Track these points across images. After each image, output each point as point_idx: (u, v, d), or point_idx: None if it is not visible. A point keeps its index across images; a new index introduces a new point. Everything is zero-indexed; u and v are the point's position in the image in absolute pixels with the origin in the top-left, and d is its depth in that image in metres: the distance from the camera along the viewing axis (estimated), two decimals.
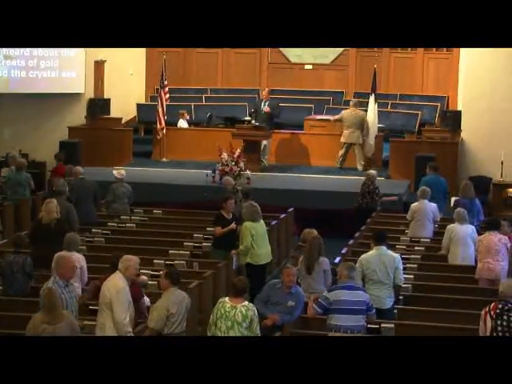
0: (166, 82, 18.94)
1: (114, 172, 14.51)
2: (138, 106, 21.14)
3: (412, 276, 10.94)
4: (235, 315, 8.05)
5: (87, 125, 20.03)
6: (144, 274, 10.12)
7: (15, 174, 15.02)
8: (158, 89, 19.94)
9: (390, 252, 9.77)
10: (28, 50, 18.93)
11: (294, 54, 22.24)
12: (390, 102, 20.60)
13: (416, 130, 19.53)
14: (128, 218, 14.15)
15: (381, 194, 14.55)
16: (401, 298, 10.12)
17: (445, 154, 17.64)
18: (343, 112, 18.47)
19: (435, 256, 11.96)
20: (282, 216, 14.44)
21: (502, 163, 17.08)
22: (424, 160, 15.89)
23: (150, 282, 10.18)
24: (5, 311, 9.16)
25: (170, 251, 12.03)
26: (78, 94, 19.99)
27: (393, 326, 9.03)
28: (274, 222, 13.65)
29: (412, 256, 11.99)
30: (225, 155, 16.62)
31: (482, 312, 8.09)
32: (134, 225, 13.77)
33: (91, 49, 19.05)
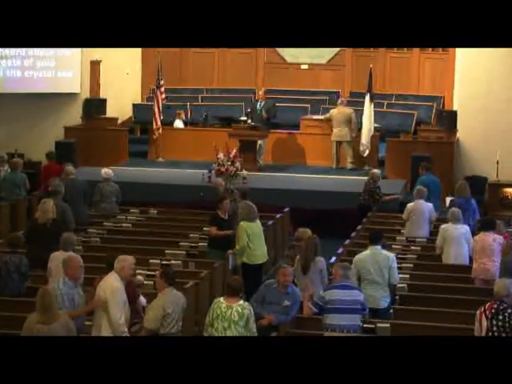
0: (162, 82, 18.93)
1: (102, 171, 14.54)
2: (134, 105, 21.13)
3: (408, 276, 10.95)
4: (231, 315, 8.05)
5: (83, 125, 20.00)
6: (140, 274, 10.11)
7: (10, 174, 15.00)
8: (153, 89, 19.92)
9: (385, 251, 9.78)
10: (24, 49, 18.89)
11: (290, 53, 22.24)
12: (385, 102, 20.60)
13: (412, 129, 19.54)
14: (124, 217, 14.16)
15: (381, 194, 14.58)
16: (396, 297, 10.14)
17: (441, 153, 17.66)
18: (331, 111, 18.62)
19: (431, 256, 11.97)
20: (278, 216, 14.45)
21: (497, 163, 17.08)
22: (420, 160, 15.91)
23: (146, 282, 10.17)
24: (0, 311, 9.15)
25: (166, 251, 12.02)
26: (74, 94, 19.97)
27: (388, 325, 9.04)
28: (270, 222, 13.65)
29: (408, 256, 12.00)
30: (221, 155, 16.61)
31: (478, 312, 8.10)
32: (130, 225, 13.77)
33: (87, 49, 19.03)
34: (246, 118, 18.79)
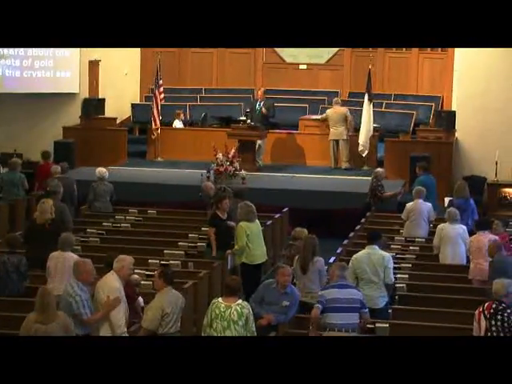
0: (160, 82, 18.94)
1: (96, 170, 14.56)
2: (133, 105, 21.13)
3: (407, 276, 10.96)
4: (231, 314, 8.05)
5: (82, 125, 19.99)
6: (139, 273, 10.11)
7: (9, 174, 15.00)
8: (152, 89, 19.93)
9: (380, 251, 9.76)
10: (23, 49, 18.89)
11: (289, 53, 22.25)
12: (384, 102, 20.61)
13: (411, 129, 19.54)
14: (123, 217, 14.16)
15: (383, 191, 14.61)
16: (396, 297, 10.14)
17: (439, 153, 17.67)
18: (327, 111, 18.70)
19: (430, 256, 11.97)
20: (277, 216, 14.45)
21: (496, 163, 17.09)
22: (419, 160, 15.91)
23: (145, 282, 10.17)
24: None
25: (164, 251, 12.03)
26: (73, 94, 19.96)
27: (387, 325, 9.05)
28: (268, 222, 13.65)
29: (407, 256, 12.00)
30: (220, 155, 16.62)
31: (476, 312, 8.11)
32: (129, 225, 13.77)
33: (86, 49, 19.02)
34: (245, 118, 18.80)
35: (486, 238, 10.94)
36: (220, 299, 8.19)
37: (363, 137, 18.04)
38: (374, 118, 18.33)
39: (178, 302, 8.40)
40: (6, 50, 18.72)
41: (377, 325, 8.99)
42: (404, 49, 21.45)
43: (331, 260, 10.95)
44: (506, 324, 7.90)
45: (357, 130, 18.33)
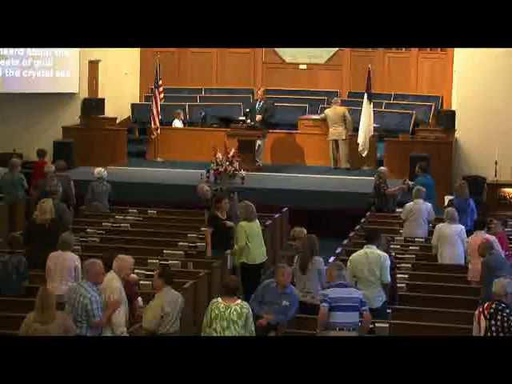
0: (160, 82, 18.94)
1: (94, 170, 14.58)
2: (133, 105, 21.12)
3: (406, 276, 10.95)
4: (230, 314, 8.04)
5: (81, 124, 19.99)
6: (138, 273, 10.11)
7: (8, 174, 15.00)
8: (152, 89, 19.91)
9: (377, 251, 9.74)
10: (22, 49, 18.88)
11: (289, 53, 22.24)
12: (384, 102, 20.59)
13: (410, 129, 19.54)
14: (123, 217, 14.16)
15: (386, 187, 14.64)
16: (396, 298, 10.13)
17: (439, 153, 17.67)
18: (326, 111, 18.70)
19: (430, 256, 11.97)
20: (277, 216, 14.45)
21: (496, 163, 17.10)
22: (418, 160, 15.91)
23: (144, 282, 10.17)
24: None
25: (164, 251, 12.02)
26: (73, 94, 19.96)
27: (387, 325, 9.04)
28: (268, 222, 13.65)
29: (406, 256, 12.00)
30: (219, 155, 16.61)
31: (476, 312, 8.11)
32: (129, 225, 13.77)
33: (85, 49, 19.02)
34: (244, 118, 18.79)
35: (482, 238, 10.93)
36: (219, 299, 8.18)
37: (363, 137, 18.04)
38: (373, 117, 18.34)
39: (178, 302, 8.40)
40: (5, 50, 18.70)
41: (376, 325, 8.99)
42: (403, 49, 21.44)
43: (331, 260, 10.95)
44: (505, 324, 7.89)
45: (356, 129, 18.33)
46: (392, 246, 12.15)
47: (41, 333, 7.50)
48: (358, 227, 13.55)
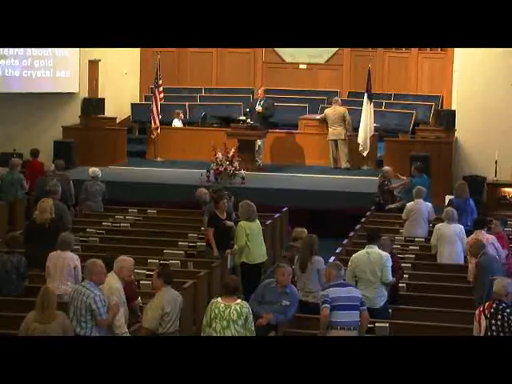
0: (160, 82, 18.94)
1: (89, 170, 14.59)
2: (133, 105, 21.13)
3: (407, 275, 10.95)
4: (230, 314, 8.04)
5: (81, 124, 19.99)
6: (138, 273, 10.12)
7: (7, 174, 15.00)
8: (152, 88, 19.92)
9: (379, 251, 9.75)
10: (22, 49, 18.88)
11: (289, 53, 22.25)
12: (384, 102, 20.60)
13: (410, 129, 19.55)
14: (123, 217, 14.16)
15: (389, 184, 14.68)
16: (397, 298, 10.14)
17: (439, 153, 17.67)
18: (326, 111, 18.72)
19: (430, 255, 11.98)
20: (277, 215, 14.45)
21: (496, 162, 17.09)
22: (418, 159, 15.93)
23: (144, 282, 10.17)
24: None
25: (164, 251, 12.02)
26: (73, 94, 19.95)
27: (387, 325, 9.04)
28: (268, 222, 13.65)
29: (407, 255, 12.00)
30: (219, 155, 16.62)
31: (476, 311, 8.11)
32: (129, 224, 13.77)
33: (85, 48, 19.02)
34: (244, 118, 18.79)
35: (482, 237, 10.93)
36: (219, 299, 8.18)
37: (363, 136, 18.05)
38: (373, 117, 18.34)
39: (177, 302, 8.40)
40: (5, 50, 18.69)
41: (377, 325, 8.99)
42: (403, 49, 21.45)
43: (331, 259, 10.94)
44: (505, 324, 7.90)
45: (356, 129, 18.33)
46: (392, 246, 12.16)
47: (40, 332, 7.50)
48: (358, 227, 13.55)
